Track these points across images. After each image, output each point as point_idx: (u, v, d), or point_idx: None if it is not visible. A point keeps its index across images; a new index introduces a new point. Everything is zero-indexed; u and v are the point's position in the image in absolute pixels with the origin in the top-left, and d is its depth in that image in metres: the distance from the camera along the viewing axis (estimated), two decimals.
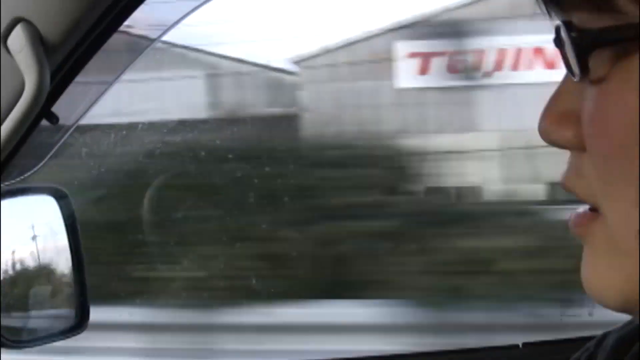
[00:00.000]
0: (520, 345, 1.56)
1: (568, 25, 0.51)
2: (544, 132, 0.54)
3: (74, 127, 1.03)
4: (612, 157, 0.49)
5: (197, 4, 1.00)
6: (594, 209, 0.53)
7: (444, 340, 3.33)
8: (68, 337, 1.16)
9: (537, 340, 1.59)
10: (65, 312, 1.16)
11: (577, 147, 0.52)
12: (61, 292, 1.17)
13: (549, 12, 0.54)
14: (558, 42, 0.53)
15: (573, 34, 0.51)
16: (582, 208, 0.54)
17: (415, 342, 3.26)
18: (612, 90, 0.49)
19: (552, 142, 0.54)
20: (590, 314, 2.46)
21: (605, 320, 0.72)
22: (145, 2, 0.88)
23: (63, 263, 1.13)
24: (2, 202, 1.04)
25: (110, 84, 1.05)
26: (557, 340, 1.60)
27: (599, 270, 0.53)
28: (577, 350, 0.72)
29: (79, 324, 1.14)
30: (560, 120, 0.53)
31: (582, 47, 0.50)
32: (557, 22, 0.53)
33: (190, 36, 3.81)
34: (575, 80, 0.52)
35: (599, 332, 0.71)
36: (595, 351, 0.69)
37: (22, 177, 1.07)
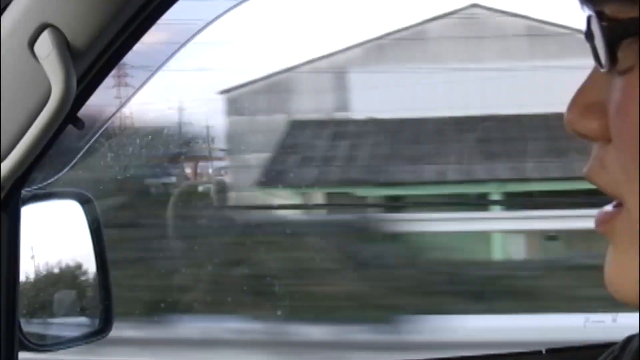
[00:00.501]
0: (544, 352, 1.55)
1: (600, 14, 0.52)
2: (569, 122, 0.54)
3: (100, 132, 1.03)
4: (636, 148, 0.49)
5: (234, 2, 0.99)
6: (617, 205, 0.53)
7: None
8: (91, 341, 1.16)
9: (560, 346, 1.59)
10: (90, 317, 1.17)
11: (602, 138, 0.53)
12: (85, 296, 1.18)
13: (582, 4, 0.55)
14: (589, 34, 0.54)
15: (604, 24, 0.51)
16: (607, 206, 0.54)
17: None
18: (638, 80, 0.49)
19: (577, 133, 0.54)
20: (614, 320, 2.45)
21: None
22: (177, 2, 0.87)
23: (88, 267, 1.14)
24: (27, 207, 1.05)
25: (138, 88, 1.05)
26: (581, 346, 1.59)
27: (620, 266, 0.52)
28: (601, 356, 0.72)
29: (103, 328, 1.15)
30: (586, 111, 0.53)
31: (612, 37, 0.50)
32: (589, 13, 0.53)
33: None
34: (603, 71, 0.52)
35: (621, 338, 0.71)
36: (620, 354, 0.69)
37: (47, 182, 1.08)
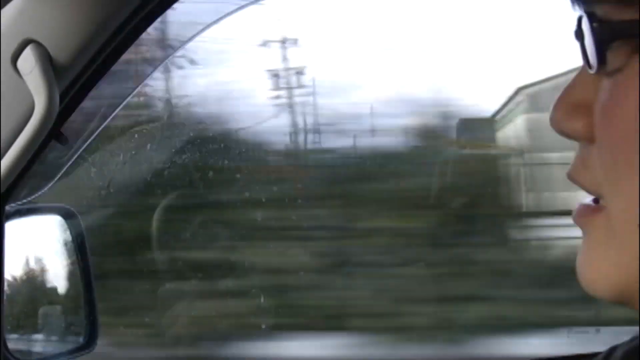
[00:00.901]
0: None
1: (591, 15, 0.52)
2: (555, 121, 0.54)
3: (83, 147, 1.03)
4: (619, 149, 0.50)
5: (234, 7, 0.98)
6: (598, 201, 0.53)
7: None
8: (76, 356, 1.15)
9: (546, 356, 1.59)
10: (75, 332, 1.16)
11: (586, 138, 0.53)
12: (70, 311, 1.17)
13: (572, 3, 0.55)
14: (579, 34, 0.54)
15: (595, 25, 0.51)
16: (588, 199, 0.55)
17: None
18: (626, 82, 0.50)
19: (562, 132, 0.54)
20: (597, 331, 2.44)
21: None
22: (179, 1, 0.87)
23: (72, 282, 1.13)
24: (12, 222, 1.04)
25: (124, 98, 1.04)
26: (566, 356, 1.60)
27: (594, 261, 0.53)
28: None
29: (88, 343, 1.14)
30: (572, 111, 0.54)
31: (602, 38, 0.51)
32: (580, 13, 0.54)
33: None
34: (591, 72, 0.52)
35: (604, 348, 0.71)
36: None
37: (31, 197, 1.08)
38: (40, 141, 0.88)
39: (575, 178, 0.55)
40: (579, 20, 0.54)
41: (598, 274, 0.53)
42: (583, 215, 0.54)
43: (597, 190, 0.53)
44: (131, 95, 1.10)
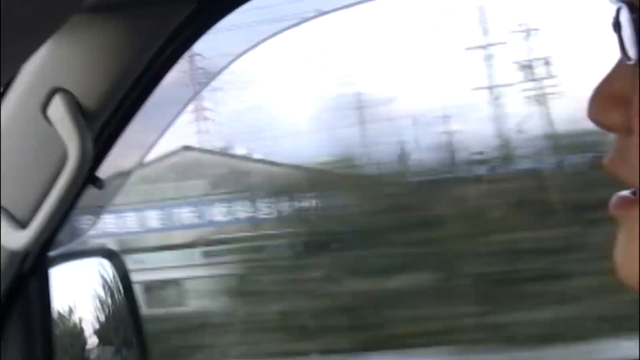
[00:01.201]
0: None
1: (631, 6, 0.51)
2: (592, 114, 0.53)
3: (122, 186, 1.02)
4: None
5: (265, 36, 0.98)
6: (634, 193, 0.53)
7: None
8: None
9: None
10: None
11: (624, 130, 0.52)
12: (122, 353, 1.16)
13: None
14: (616, 25, 0.53)
15: (635, 15, 0.50)
16: (625, 192, 0.54)
17: None
18: None
19: (600, 124, 0.53)
20: None
21: None
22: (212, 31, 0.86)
23: (121, 324, 1.12)
24: (55, 268, 1.04)
25: (161, 134, 1.03)
26: None
27: (631, 254, 0.52)
28: None
29: None
30: (610, 102, 0.53)
31: None
32: (619, 4, 0.53)
33: None
34: (630, 63, 0.51)
35: None
36: None
37: (74, 242, 1.07)
38: (77, 188, 0.88)
39: (612, 169, 0.54)
40: (618, 11, 0.52)
41: (635, 267, 0.52)
42: (620, 208, 0.53)
43: (635, 182, 0.52)
44: (169, 126, 1.09)
